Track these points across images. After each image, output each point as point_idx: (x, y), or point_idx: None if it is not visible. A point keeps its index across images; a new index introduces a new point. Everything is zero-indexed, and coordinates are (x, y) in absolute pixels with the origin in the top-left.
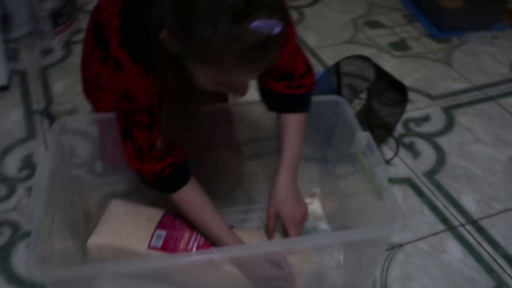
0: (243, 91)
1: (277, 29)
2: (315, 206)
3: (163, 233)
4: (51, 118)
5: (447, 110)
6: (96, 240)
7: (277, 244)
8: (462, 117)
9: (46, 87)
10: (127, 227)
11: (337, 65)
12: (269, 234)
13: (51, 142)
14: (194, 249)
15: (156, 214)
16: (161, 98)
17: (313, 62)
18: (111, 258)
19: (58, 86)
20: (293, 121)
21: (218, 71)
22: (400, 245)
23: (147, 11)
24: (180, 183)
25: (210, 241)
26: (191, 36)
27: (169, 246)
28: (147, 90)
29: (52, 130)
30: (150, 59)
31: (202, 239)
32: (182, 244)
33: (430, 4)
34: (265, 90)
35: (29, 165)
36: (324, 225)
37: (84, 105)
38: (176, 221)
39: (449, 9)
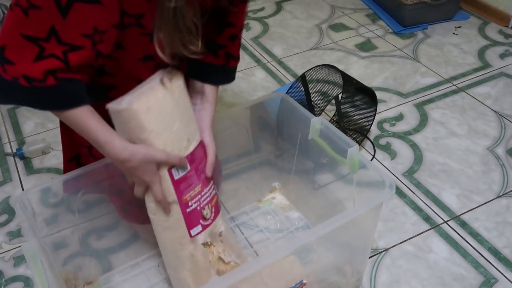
0: None
1: None
2: (279, 198)
3: (187, 168)
4: (25, 159)
5: (419, 106)
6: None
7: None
8: (435, 112)
9: (16, 127)
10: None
11: (303, 76)
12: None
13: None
14: (192, 205)
15: (195, 138)
16: None
17: (281, 72)
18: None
19: (28, 125)
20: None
21: None
22: (385, 249)
23: None
24: (83, 99)
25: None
26: None
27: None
28: None
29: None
30: None
31: (207, 200)
32: (188, 194)
33: (391, 1)
34: (198, 63)
35: (7, 209)
36: (295, 214)
37: (57, 142)
38: (200, 163)
39: (411, 4)
